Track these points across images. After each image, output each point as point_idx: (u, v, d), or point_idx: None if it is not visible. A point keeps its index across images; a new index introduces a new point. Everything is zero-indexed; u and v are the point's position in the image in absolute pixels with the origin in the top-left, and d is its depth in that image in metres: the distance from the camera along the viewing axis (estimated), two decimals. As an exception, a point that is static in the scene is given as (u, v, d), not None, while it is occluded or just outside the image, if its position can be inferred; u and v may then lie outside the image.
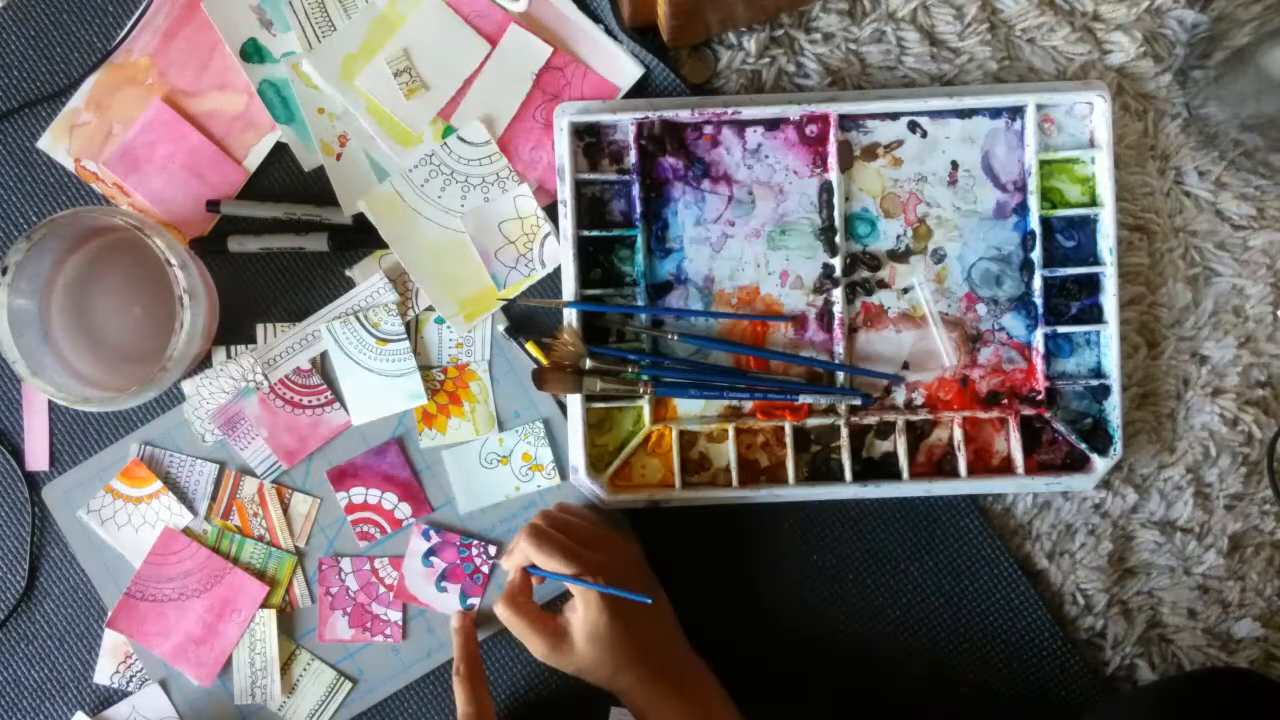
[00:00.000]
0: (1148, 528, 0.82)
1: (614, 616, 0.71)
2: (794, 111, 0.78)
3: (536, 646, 0.72)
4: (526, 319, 0.81)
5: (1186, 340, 0.82)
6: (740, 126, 0.79)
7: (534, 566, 0.73)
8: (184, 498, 0.81)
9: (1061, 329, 0.79)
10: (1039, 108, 0.78)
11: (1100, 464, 0.79)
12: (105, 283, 0.79)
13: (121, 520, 0.81)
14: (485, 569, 0.81)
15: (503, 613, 0.73)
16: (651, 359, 0.79)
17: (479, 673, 0.77)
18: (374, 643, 0.81)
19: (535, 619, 0.73)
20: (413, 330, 0.81)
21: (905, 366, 0.80)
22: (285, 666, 0.81)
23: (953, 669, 0.82)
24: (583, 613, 0.71)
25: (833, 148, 0.78)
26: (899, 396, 0.80)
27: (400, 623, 0.81)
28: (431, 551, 0.81)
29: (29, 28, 0.81)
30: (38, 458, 0.82)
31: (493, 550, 0.81)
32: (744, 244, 0.80)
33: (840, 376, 0.79)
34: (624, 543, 0.77)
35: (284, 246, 0.80)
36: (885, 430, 0.80)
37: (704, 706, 0.74)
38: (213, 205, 0.81)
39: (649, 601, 0.72)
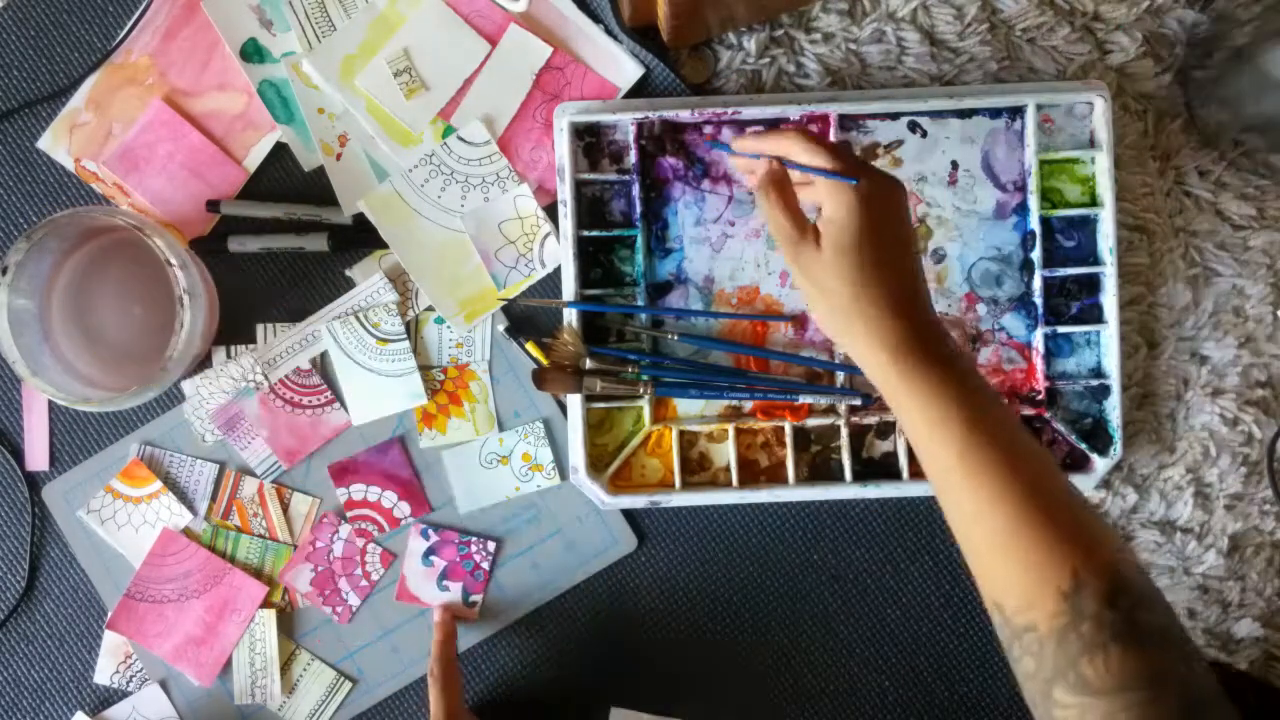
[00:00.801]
0: (1148, 528, 0.82)
1: (869, 228, 0.62)
2: (794, 111, 0.78)
3: (784, 233, 0.64)
4: (526, 319, 0.81)
5: (1186, 340, 0.82)
6: (740, 126, 0.79)
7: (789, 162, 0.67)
8: (184, 498, 0.81)
9: (1061, 329, 0.79)
10: (1039, 108, 0.78)
11: (1100, 464, 0.79)
12: (105, 283, 0.79)
13: (121, 520, 0.81)
14: (485, 566, 0.81)
15: (766, 198, 0.65)
16: (651, 359, 0.79)
17: (452, 674, 0.75)
18: (321, 611, 0.81)
19: (790, 206, 0.64)
20: (413, 330, 0.81)
21: (905, 366, 0.80)
22: (285, 666, 0.81)
23: (953, 669, 0.82)
24: (831, 213, 0.63)
25: (833, 148, 0.78)
26: (899, 396, 0.80)
27: (354, 609, 0.81)
28: (431, 550, 0.81)
29: (29, 28, 0.81)
30: (38, 458, 0.82)
31: (491, 546, 0.81)
32: (744, 244, 0.80)
33: (840, 376, 0.79)
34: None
35: (284, 246, 0.80)
36: (885, 430, 0.80)
37: (960, 372, 0.60)
38: (213, 205, 0.81)
39: (898, 185, 0.64)
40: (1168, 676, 0.51)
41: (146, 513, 0.81)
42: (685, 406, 0.80)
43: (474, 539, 0.81)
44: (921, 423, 0.59)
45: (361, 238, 0.81)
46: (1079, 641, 0.52)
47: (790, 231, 0.64)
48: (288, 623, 0.82)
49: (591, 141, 0.79)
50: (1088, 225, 0.79)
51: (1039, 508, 0.55)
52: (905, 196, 0.65)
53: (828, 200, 0.63)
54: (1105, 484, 0.81)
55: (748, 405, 0.80)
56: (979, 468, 0.57)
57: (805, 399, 0.79)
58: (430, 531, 0.81)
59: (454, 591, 0.81)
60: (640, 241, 0.79)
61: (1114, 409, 0.78)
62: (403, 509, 0.81)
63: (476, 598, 0.81)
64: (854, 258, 0.62)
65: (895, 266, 0.63)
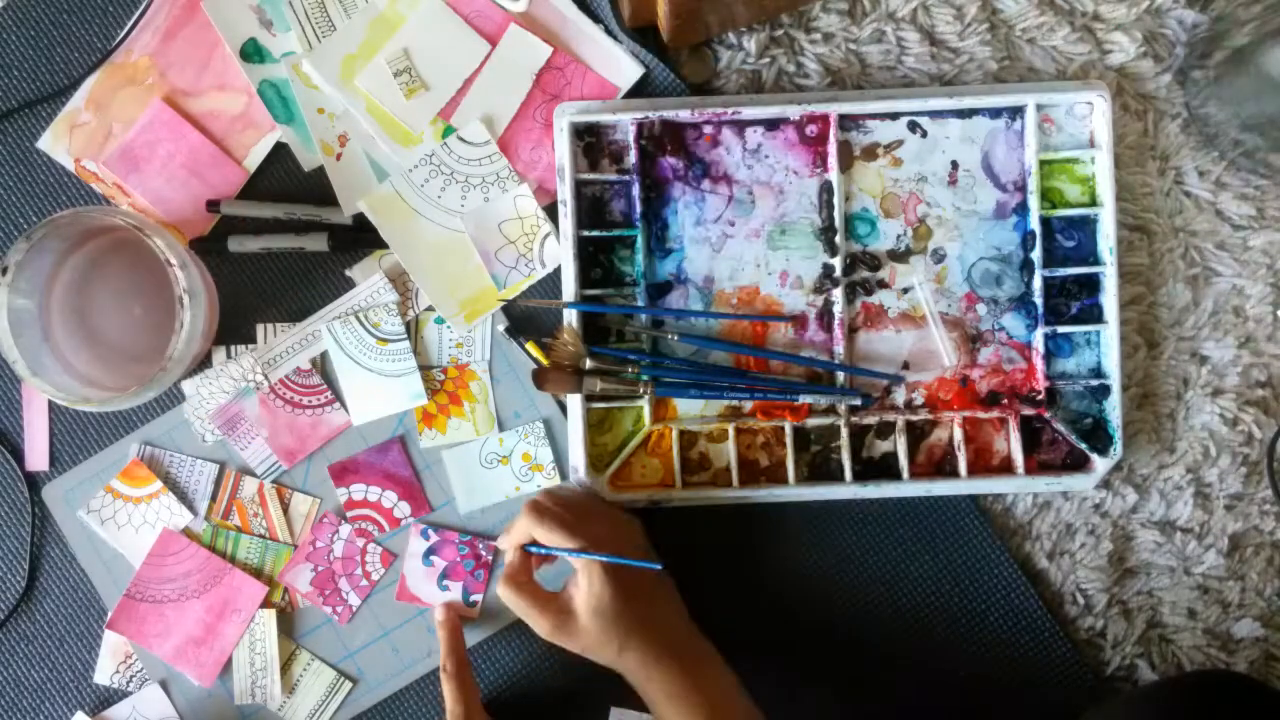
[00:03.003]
0: (1148, 528, 0.82)
1: (618, 590, 0.71)
2: (794, 111, 0.78)
3: (541, 625, 0.72)
4: (526, 319, 0.81)
5: (1186, 340, 0.82)
6: (740, 126, 0.79)
7: (534, 545, 0.73)
8: (184, 498, 0.81)
9: (1061, 329, 0.79)
10: (1039, 108, 0.78)
11: (1100, 464, 0.79)
12: (105, 283, 0.79)
13: (121, 520, 0.81)
14: (486, 565, 0.81)
15: (504, 592, 0.72)
16: (651, 359, 0.79)
17: (466, 670, 0.77)
18: (321, 610, 0.81)
19: (538, 597, 0.72)
20: (413, 330, 0.81)
21: (905, 366, 0.80)
22: (285, 666, 0.81)
23: (952, 668, 0.82)
24: (585, 587, 0.71)
25: (833, 148, 0.78)
26: (899, 396, 0.80)
27: (354, 609, 0.81)
28: (431, 551, 0.81)
29: (29, 28, 0.81)
30: (38, 458, 0.82)
31: (491, 546, 0.81)
32: (744, 244, 0.80)
33: (840, 376, 0.79)
34: (624, 517, 0.77)
35: (284, 246, 0.80)
36: (885, 430, 0.80)
37: (711, 684, 0.72)
38: (213, 205, 0.81)
39: (656, 567, 0.72)
40: None
41: (146, 513, 0.81)
42: (685, 406, 0.80)
43: (474, 539, 0.81)
44: (672, 712, 0.71)
45: (361, 238, 0.81)
46: None
47: (543, 619, 0.71)
48: (288, 623, 0.82)
49: (591, 141, 0.79)
50: (1088, 225, 0.79)
51: None
52: (642, 533, 0.76)
53: (579, 567, 0.71)
54: (1105, 484, 0.81)
55: (748, 405, 0.80)
56: None
57: (805, 399, 0.79)
58: (430, 532, 0.81)
59: (454, 591, 0.81)
60: (640, 241, 0.79)
61: (1114, 409, 0.78)
62: (403, 509, 0.81)
63: (477, 597, 0.81)
64: (612, 617, 0.70)
65: (652, 609, 0.73)
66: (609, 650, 0.71)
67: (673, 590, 0.76)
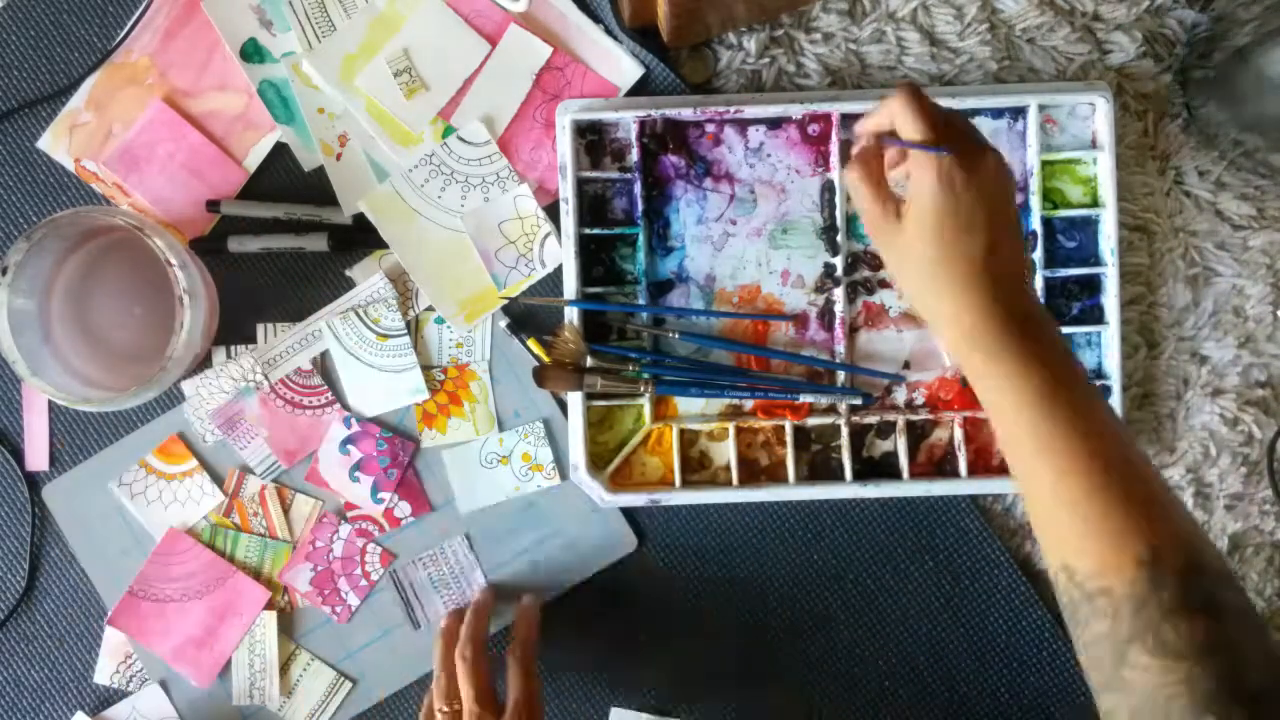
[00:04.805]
0: (1148, 527, 0.82)
1: (949, 200, 0.61)
2: (797, 110, 0.78)
3: (870, 212, 0.64)
4: (527, 317, 0.81)
5: (1186, 340, 0.82)
6: (742, 125, 0.79)
7: (890, 137, 0.65)
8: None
9: (1063, 330, 0.79)
10: (1041, 108, 0.78)
11: (1101, 463, 0.78)
12: (105, 283, 0.79)
13: (152, 496, 0.81)
14: (400, 465, 0.81)
15: (851, 174, 0.64)
16: (652, 357, 0.79)
17: (483, 658, 0.74)
18: (320, 610, 0.81)
19: (880, 186, 0.64)
20: (413, 330, 0.81)
21: (906, 366, 0.80)
22: (285, 667, 0.81)
23: (953, 669, 0.82)
24: (915, 184, 0.62)
25: (835, 147, 0.78)
26: (899, 396, 0.80)
27: (354, 609, 0.81)
28: (350, 440, 0.81)
29: (29, 28, 0.81)
30: (38, 458, 0.82)
31: (410, 448, 0.81)
32: (746, 243, 0.80)
33: (841, 376, 0.79)
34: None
35: (284, 246, 0.80)
36: (885, 430, 0.80)
37: (1041, 348, 0.60)
38: (213, 205, 0.80)
39: (990, 156, 0.62)
40: (1247, 649, 0.52)
41: (178, 490, 0.81)
42: (686, 405, 0.80)
43: (394, 438, 0.80)
44: (997, 398, 0.59)
45: (361, 238, 0.81)
46: (1159, 608, 0.52)
47: (870, 205, 0.64)
48: (287, 623, 0.81)
49: (593, 139, 0.79)
50: (1089, 226, 0.79)
51: (1116, 481, 0.56)
52: (1001, 168, 0.63)
53: (914, 170, 0.62)
54: (1106, 484, 0.81)
55: (748, 404, 0.80)
56: (1054, 442, 0.57)
57: (806, 398, 0.79)
58: (353, 420, 0.81)
59: (364, 485, 0.80)
60: (642, 240, 0.79)
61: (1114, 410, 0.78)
62: (403, 509, 0.81)
63: (384, 495, 0.80)
64: (932, 231, 0.61)
65: (976, 239, 0.61)
66: (922, 271, 0.62)
67: (1019, 231, 0.64)
